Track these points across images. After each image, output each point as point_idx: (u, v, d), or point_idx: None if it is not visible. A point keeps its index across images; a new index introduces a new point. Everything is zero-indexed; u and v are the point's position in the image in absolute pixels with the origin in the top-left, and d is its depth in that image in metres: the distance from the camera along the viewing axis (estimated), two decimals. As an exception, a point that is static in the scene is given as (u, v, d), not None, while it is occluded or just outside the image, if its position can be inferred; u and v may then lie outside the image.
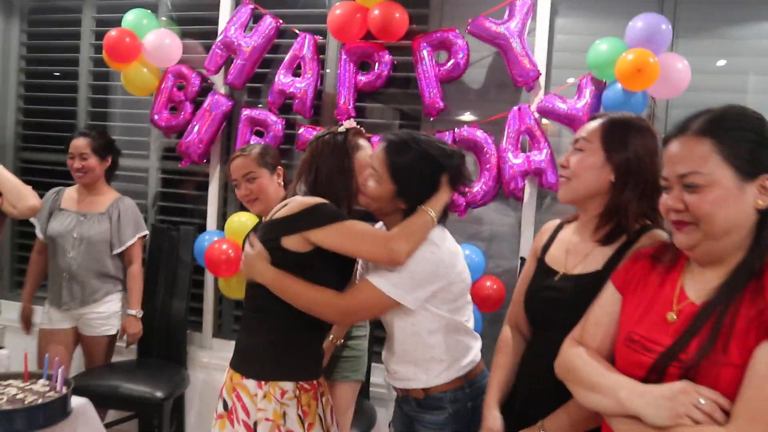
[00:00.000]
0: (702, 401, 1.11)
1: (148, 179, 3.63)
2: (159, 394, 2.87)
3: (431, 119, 2.98)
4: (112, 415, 3.21)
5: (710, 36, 2.79)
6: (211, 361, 3.32)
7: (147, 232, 3.18)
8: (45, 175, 3.73)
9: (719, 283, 1.21)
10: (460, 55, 2.86)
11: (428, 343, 1.80)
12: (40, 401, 1.73)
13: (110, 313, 3.05)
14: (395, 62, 3.01)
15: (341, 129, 1.91)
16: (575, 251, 1.63)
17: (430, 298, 1.75)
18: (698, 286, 1.25)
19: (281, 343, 1.82)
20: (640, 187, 1.54)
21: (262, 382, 1.78)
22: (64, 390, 1.80)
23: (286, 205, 1.83)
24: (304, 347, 1.85)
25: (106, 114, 3.77)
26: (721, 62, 2.78)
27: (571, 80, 2.81)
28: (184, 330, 3.28)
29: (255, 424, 1.77)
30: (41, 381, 1.85)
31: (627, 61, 2.48)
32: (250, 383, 1.79)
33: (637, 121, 1.59)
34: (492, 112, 2.92)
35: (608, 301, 1.41)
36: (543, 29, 2.87)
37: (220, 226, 3.33)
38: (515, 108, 2.80)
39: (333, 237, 1.73)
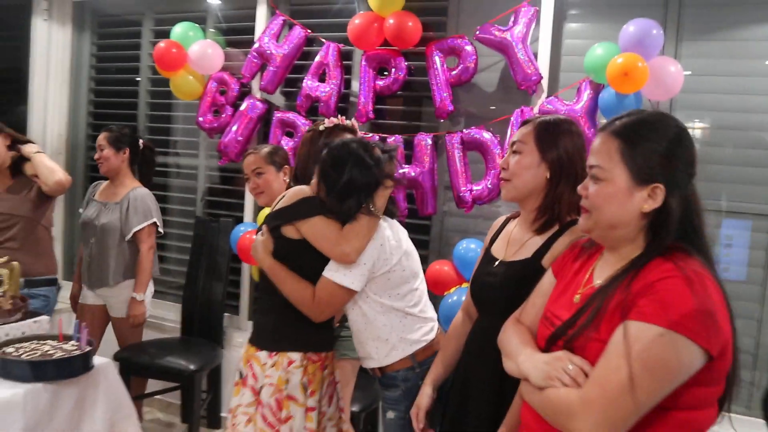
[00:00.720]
0: (570, 367, 1.27)
1: (197, 176, 4.01)
2: (192, 366, 3.23)
3: (441, 121, 3.18)
4: (160, 385, 3.57)
5: (715, 39, 2.83)
6: (246, 341, 3.64)
7: (155, 220, 3.32)
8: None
9: (614, 270, 1.35)
10: (469, 61, 3.04)
11: (374, 324, 2.03)
12: (65, 356, 2.09)
13: (127, 297, 3.29)
14: (411, 67, 3.23)
15: (321, 127, 2.15)
16: (514, 241, 1.81)
17: (370, 284, 1.98)
18: (602, 272, 1.39)
19: (289, 318, 2.04)
20: (572, 180, 1.69)
21: (273, 353, 2.03)
22: (87, 349, 2.15)
23: (283, 196, 2.08)
24: (310, 322, 2.05)
25: (164, 117, 4.18)
26: (726, 65, 2.82)
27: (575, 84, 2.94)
28: (221, 312, 3.63)
29: (261, 388, 2.02)
30: (72, 342, 2.21)
31: (615, 65, 2.59)
32: (262, 354, 2.05)
33: (566, 122, 1.75)
34: (502, 114, 3.09)
35: (545, 285, 1.57)
36: (546, 35, 3.01)
37: (256, 218, 3.64)
38: (518, 110, 2.95)
39: (308, 231, 1.98)
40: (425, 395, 1.95)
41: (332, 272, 1.96)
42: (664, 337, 1.15)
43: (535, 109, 2.95)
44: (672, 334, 1.15)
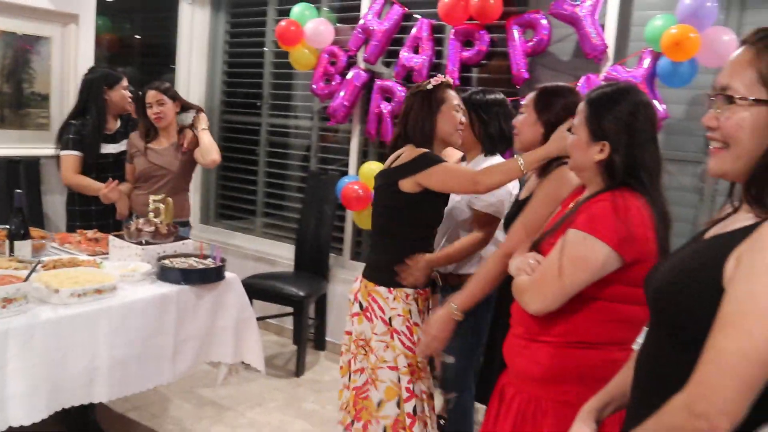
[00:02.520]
0: (531, 261, 1.73)
1: (311, 135, 4.65)
2: (302, 293, 3.90)
3: (518, 87, 3.59)
4: (276, 311, 4.28)
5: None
6: (348, 277, 4.24)
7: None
8: (240, 132, 4.96)
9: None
10: (544, 33, 3.43)
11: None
12: (206, 267, 2.77)
13: None
14: (494, 39, 3.65)
15: (429, 86, 2.46)
16: (530, 183, 2.27)
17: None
18: (577, 203, 1.81)
19: (403, 259, 2.44)
20: None
21: (392, 288, 2.44)
22: (220, 264, 2.82)
23: (400, 155, 2.47)
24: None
25: (285, 84, 4.85)
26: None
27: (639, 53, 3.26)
28: (327, 252, 4.28)
29: (390, 318, 2.44)
30: (209, 259, 2.88)
31: (669, 36, 2.90)
32: (382, 289, 2.44)
33: (564, 89, 2.17)
34: (572, 81, 3.45)
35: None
36: (614, 7, 3.33)
37: (358, 172, 4.22)
38: (584, 77, 3.31)
39: (433, 177, 2.33)
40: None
41: (481, 203, 2.55)
42: (586, 239, 1.58)
43: (601, 76, 3.30)
44: (591, 237, 1.57)
